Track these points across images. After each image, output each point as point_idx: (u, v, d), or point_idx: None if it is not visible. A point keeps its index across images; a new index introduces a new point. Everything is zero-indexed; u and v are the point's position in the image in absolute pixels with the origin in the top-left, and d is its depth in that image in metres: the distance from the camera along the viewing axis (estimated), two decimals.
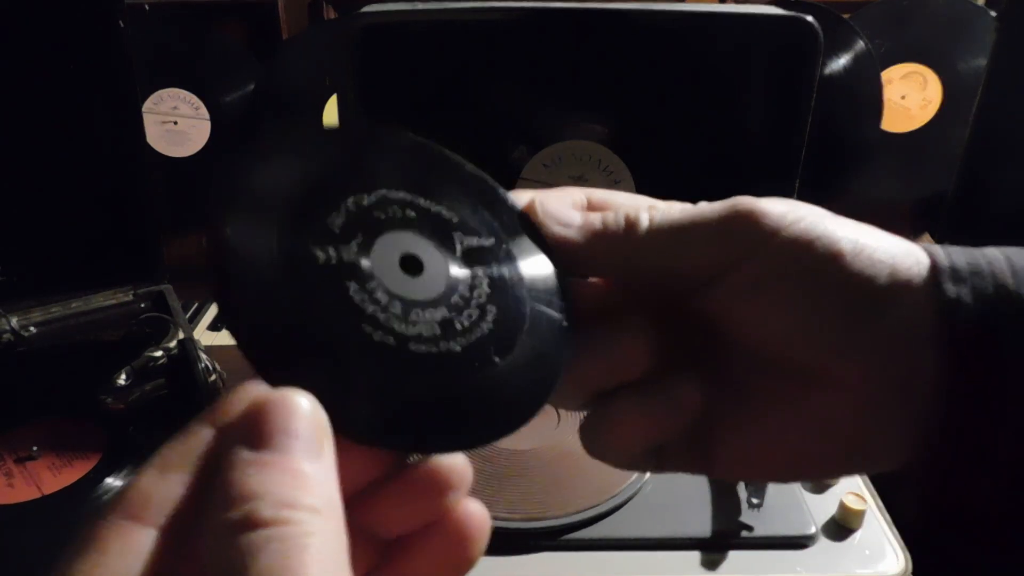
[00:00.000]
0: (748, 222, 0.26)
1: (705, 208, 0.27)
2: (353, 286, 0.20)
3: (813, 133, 0.65)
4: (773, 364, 0.26)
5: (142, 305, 0.77)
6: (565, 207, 0.28)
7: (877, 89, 1.09)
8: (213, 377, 0.64)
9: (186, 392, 0.63)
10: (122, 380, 0.62)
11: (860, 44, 1.08)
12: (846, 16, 1.09)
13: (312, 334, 0.19)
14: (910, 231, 1.17)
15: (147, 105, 1.08)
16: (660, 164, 0.68)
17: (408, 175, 0.25)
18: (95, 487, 0.57)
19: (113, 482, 0.57)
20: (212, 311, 1.09)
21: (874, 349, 0.25)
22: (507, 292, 0.24)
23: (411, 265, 0.22)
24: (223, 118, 1.10)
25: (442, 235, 0.24)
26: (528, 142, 0.67)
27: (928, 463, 0.25)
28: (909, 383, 0.25)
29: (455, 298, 0.22)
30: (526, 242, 0.26)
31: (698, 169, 0.69)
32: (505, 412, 0.22)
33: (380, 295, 0.21)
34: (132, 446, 0.60)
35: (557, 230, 0.27)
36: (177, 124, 1.09)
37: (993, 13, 1.09)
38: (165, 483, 0.18)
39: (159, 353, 0.65)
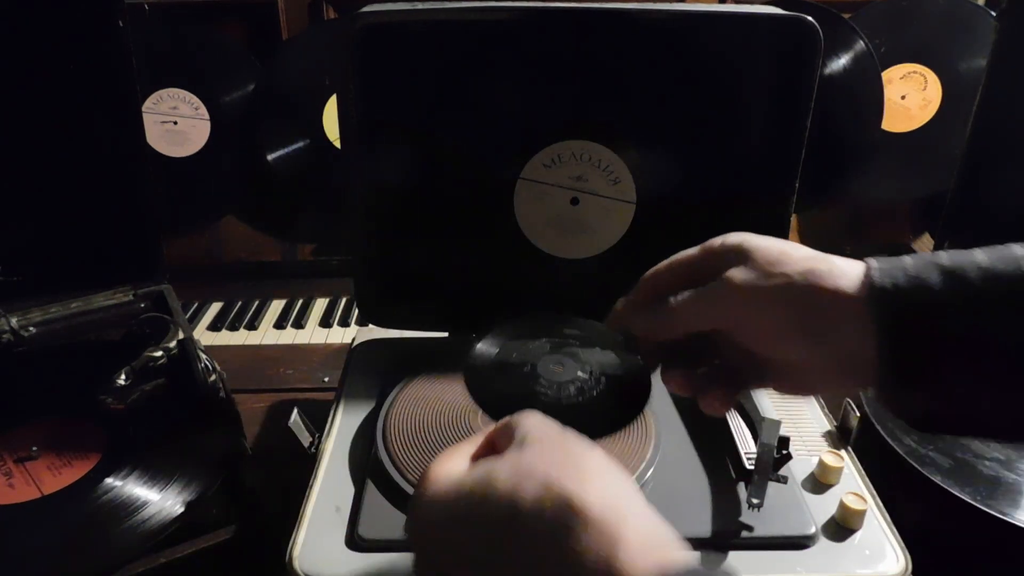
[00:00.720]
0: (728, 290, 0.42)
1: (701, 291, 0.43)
2: (532, 378, 0.47)
3: (813, 133, 0.65)
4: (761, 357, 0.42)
5: (142, 305, 0.77)
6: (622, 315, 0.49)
7: (877, 89, 1.09)
8: (213, 377, 0.64)
9: (186, 392, 0.63)
10: (122, 380, 0.62)
11: (860, 44, 1.08)
12: (846, 16, 1.10)
13: (517, 401, 0.44)
14: (910, 231, 1.18)
15: (147, 105, 1.08)
16: (660, 164, 0.68)
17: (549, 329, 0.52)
18: (95, 487, 0.57)
19: (113, 482, 0.57)
20: (212, 311, 1.09)
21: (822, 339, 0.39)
22: (604, 372, 0.48)
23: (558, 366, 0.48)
24: (223, 118, 1.10)
25: (572, 353, 0.49)
26: (528, 142, 0.68)
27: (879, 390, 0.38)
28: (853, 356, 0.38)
29: (579, 380, 0.47)
30: (610, 339, 0.50)
31: (698, 169, 0.69)
32: (609, 419, 0.45)
33: (543, 382, 0.47)
34: (132, 446, 0.60)
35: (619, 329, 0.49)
36: (177, 124, 1.09)
37: (993, 13, 1.09)
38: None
39: (159, 353, 0.65)
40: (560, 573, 0.32)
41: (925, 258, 0.37)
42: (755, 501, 0.51)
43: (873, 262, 0.38)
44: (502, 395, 0.45)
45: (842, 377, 0.40)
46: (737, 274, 0.41)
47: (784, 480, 0.52)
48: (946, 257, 0.37)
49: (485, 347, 0.50)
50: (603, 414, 0.45)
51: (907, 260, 0.38)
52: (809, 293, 0.39)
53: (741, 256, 0.41)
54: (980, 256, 0.36)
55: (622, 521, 0.32)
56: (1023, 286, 0.35)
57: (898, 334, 0.36)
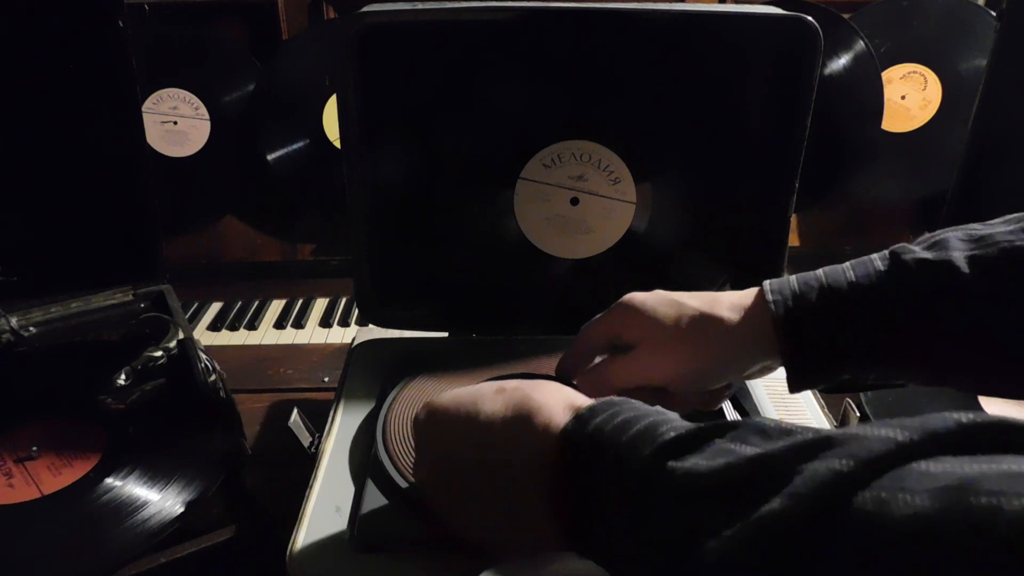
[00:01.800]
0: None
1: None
2: None
3: (813, 133, 0.65)
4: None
5: (142, 305, 0.77)
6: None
7: (877, 89, 1.09)
8: (213, 377, 0.64)
9: (186, 392, 0.63)
10: (122, 380, 0.62)
11: (860, 44, 1.08)
12: (846, 16, 1.10)
13: None
14: (910, 231, 1.18)
15: (147, 105, 1.08)
16: (660, 164, 0.68)
17: None
18: (95, 487, 0.57)
19: (113, 482, 0.57)
20: (212, 311, 1.09)
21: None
22: None
23: None
24: (223, 118, 1.10)
25: None
26: (528, 142, 0.68)
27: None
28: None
29: None
30: None
31: (698, 169, 0.69)
32: None
33: None
34: (132, 446, 0.60)
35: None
36: (177, 124, 1.09)
37: (993, 13, 1.09)
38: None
39: (159, 353, 0.65)
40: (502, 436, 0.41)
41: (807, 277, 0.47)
42: None
43: (766, 284, 0.48)
44: None
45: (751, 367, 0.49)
46: (634, 295, 0.51)
47: None
48: (823, 276, 0.46)
49: None
50: None
51: (792, 280, 0.47)
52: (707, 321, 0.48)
53: (636, 316, 0.50)
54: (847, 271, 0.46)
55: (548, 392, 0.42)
56: (855, 296, 0.44)
57: (795, 331, 0.45)
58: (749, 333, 0.47)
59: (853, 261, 0.46)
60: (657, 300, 0.50)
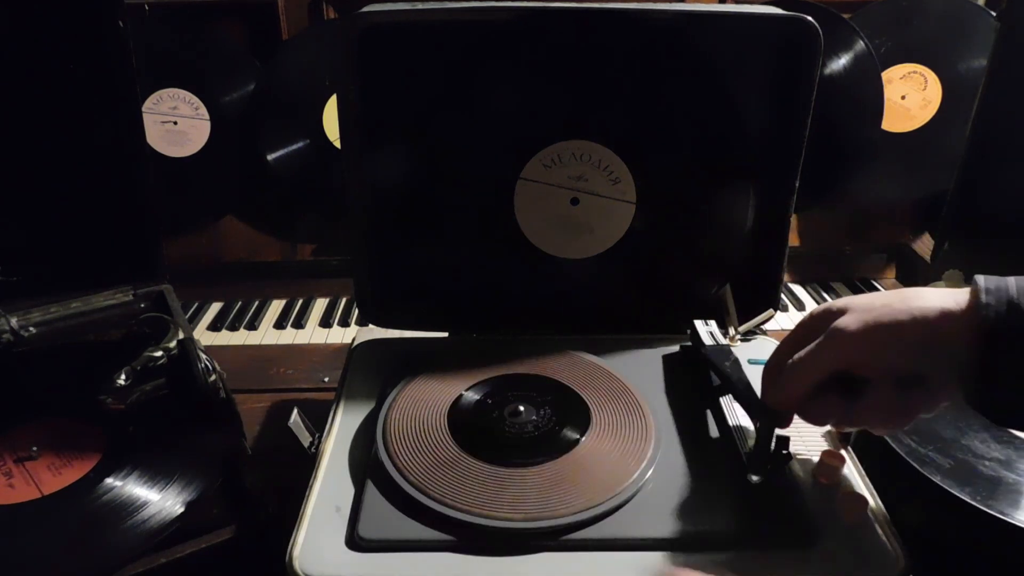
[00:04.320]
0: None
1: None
2: None
3: (813, 133, 0.65)
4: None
5: (142, 305, 0.76)
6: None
7: (877, 89, 1.09)
8: (213, 377, 0.64)
9: (186, 392, 0.63)
10: (122, 380, 0.62)
11: (860, 44, 1.08)
12: (846, 16, 1.10)
13: None
14: (910, 231, 1.18)
15: (147, 105, 1.08)
16: (660, 164, 0.68)
17: None
18: (95, 487, 0.57)
19: (113, 482, 0.57)
20: (212, 311, 1.09)
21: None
22: None
23: None
24: (223, 118, 1.10)
25: None
26: (528, 142, 0.68)
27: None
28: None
29: None
30: None
31: (698, 169, 0.69)
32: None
33: None
34: (132, 446, 0.60)
35: None
36: (177, 124, 1.09)
37: (993, 13, 1.09)
38: None
39: (159, 353, 0.65)
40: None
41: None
42: (755, 478, 0.51)
43: (981, 281, 0.44)
44: None
45: (944, 388, 0.46)
46: (842, 319, 0.47)
47: (789, 458, 0.53)
48: None
49: None
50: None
51: (1011, 283, 0.44)
52: (908, 312, 0.45)
53: (842, 310, 0.48)
54: None
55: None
56: None
57: (995, 344, 0.42)
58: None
59: None
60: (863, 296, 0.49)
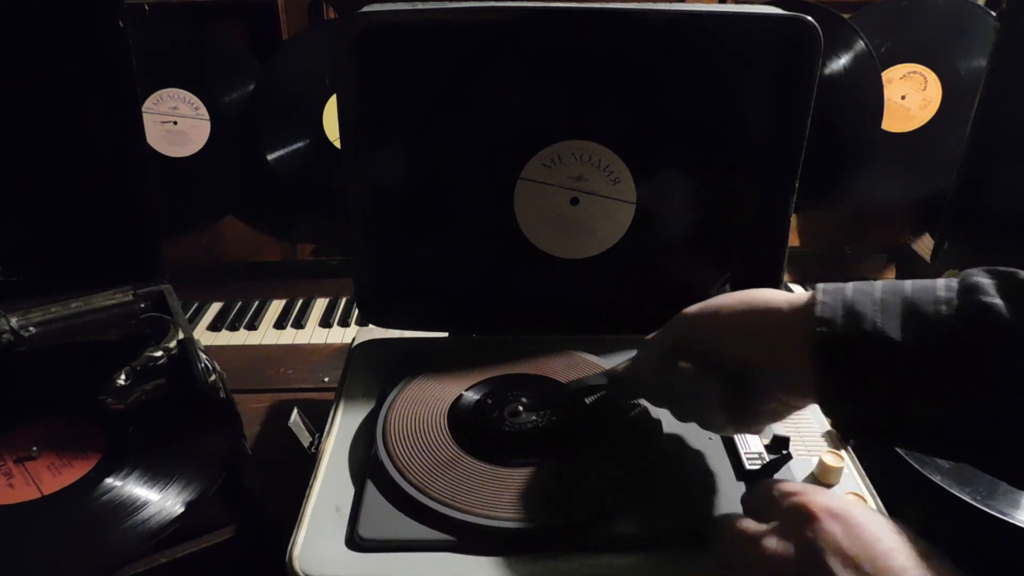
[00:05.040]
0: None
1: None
2: None
3: (813, 133, 0.65)
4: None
5: (142, 305, 0.76)
6: None
7: (877, 89, 1.09)
8: (213, 377, 0.64)
9: (186, 392, 0.63)
10: (122, 380, 0.62)
11: (860, 44, 1.08)
12: (846, 16, 1.10)
13: None
14: (910, 231, 1.18)
15: (147, 105, 1.08)
16: (660, 164, 0.68)
17: None
18: (95, 487, 0.57)
19: (113, 482, 0.57)
20: (212, 311, 1.09)
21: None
22: None
23: None
24: (223, 118, 1.10)
25: None
26: (528, 142, 0.68)
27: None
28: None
29: None
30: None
31: (698, 169, 0.69)
32: None
33: None
34: (132, 446, 0.60)
35: None
36: (177, 124, 1.09)
37: (993, 13, 1.09)
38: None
39: (159, 353, 0.65)
40: None
41: (862, 289, 0.43)
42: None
43: (820, 288, 0.44)
44: None
45: (786, 394, 0.47)
46: (688, 308, 0.51)
47: (788, 458, 0.54)
48: (879, 290, 0.42)
49: None
50: None
51: (848, 289, 0.43)
52: (751, 309, 0.47)
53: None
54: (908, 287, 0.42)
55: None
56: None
57: (830, 355, 0.42)
58: None
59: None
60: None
